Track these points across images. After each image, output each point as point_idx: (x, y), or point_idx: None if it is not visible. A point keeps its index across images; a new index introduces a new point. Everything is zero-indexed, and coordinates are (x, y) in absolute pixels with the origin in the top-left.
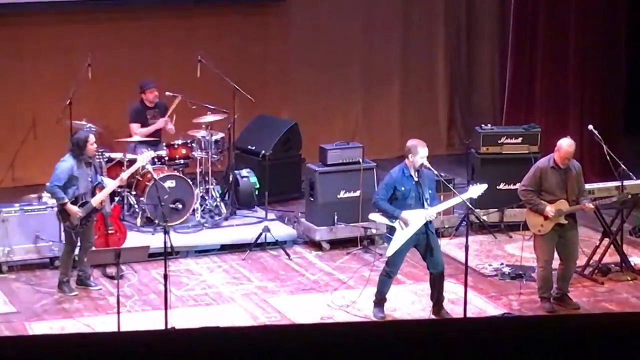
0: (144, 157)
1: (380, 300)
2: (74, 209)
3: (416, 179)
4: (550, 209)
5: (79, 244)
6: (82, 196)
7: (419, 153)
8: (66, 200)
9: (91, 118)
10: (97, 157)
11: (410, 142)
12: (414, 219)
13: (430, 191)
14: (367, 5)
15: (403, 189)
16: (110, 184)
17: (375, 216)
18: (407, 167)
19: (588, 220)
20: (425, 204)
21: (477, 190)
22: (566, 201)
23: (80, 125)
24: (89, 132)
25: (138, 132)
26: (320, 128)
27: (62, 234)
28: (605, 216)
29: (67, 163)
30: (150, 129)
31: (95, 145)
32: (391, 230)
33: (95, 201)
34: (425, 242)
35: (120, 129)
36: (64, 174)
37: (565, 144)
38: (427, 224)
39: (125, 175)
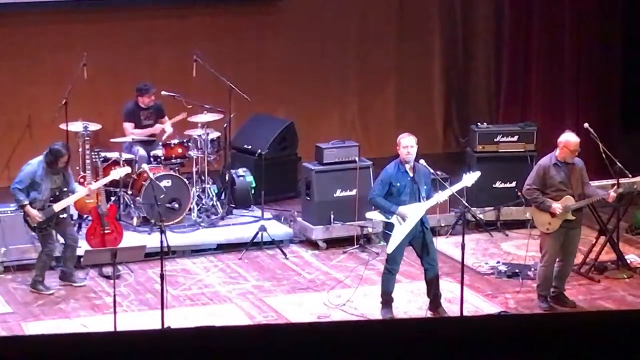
0: (118, 172)
1: (387, 301)
2: (33, 212)
3: (411, 175)
4: (557, 206)
5: (62, 241)
6: (43, 202)
7: (400, 144)
8: (25, 202)
9: (87, 117)
10: (94, 157)
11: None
12: (412, 213)
13: (425, 187)
14: (363, 4)
15: (398, 184)
16: (77, 193)
17: (372, 214)
18: (401, 163)
19: (584, 218)
20: (422, 199)
21: (470, 178)
22: (572, 196)
23: (76, 125)
24: (66, 151)
25: (132, 132)
26: (316, 127)
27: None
28: (601, 214)
29: (31, 167)
30: (145, 132)
31: (65, 163)
32: (388, 226)
33: (57, 206)
34: (421, 239)
35: (116, 128)
36: (26, 177)
37: (572, 138)
38: (423, 221)
39: (93, 186)
